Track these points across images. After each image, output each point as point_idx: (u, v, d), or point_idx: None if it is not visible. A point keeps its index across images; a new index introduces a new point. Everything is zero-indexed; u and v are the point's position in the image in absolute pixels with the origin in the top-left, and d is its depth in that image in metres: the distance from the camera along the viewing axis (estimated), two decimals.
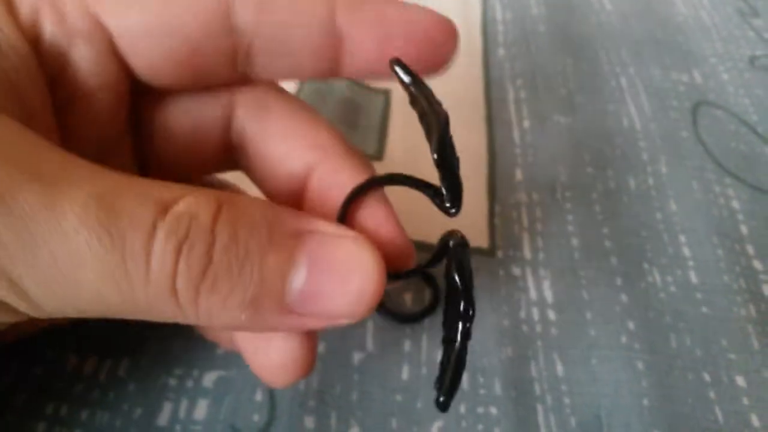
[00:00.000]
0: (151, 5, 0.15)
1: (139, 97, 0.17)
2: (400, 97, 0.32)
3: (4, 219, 0.11)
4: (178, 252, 0.12)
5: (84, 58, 0.15)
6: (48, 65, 0.15)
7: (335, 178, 0.16)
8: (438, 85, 0.33)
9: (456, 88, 0.33)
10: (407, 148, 0.30)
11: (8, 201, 0.11)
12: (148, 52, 0.15)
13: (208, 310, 0.13)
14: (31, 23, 0.14)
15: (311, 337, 0.16)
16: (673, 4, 0.39)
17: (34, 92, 0.14)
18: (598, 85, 0.34)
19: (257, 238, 0.13)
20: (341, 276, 0.13)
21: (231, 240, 0.12)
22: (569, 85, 0.34)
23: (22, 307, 0.12)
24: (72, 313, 0.13)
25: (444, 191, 0.14)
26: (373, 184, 0.15)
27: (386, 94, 0.33)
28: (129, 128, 0.17)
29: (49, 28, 0.14)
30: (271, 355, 0.16)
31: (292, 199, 0.16)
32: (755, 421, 0.21)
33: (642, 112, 0.32)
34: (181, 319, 0.13)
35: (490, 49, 0.36)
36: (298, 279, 0.13)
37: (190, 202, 0.12)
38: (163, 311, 0.13)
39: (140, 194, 0.12)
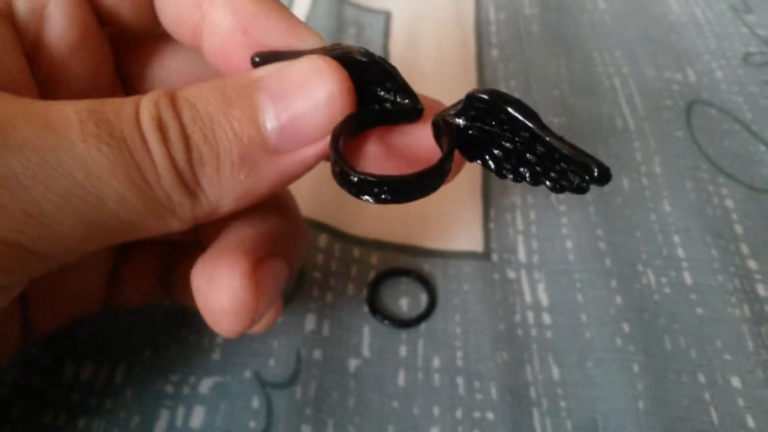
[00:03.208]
0: None
1: (123, 52, 0.18)
2: None
3: (12, 151, 0.11)
4: (162, 131, 0.13)
5: (57, 17, 0.15)
6: (24, 34, 0.15)
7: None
8: (431, 86, 0.33)
9: (449, 88, 0.33)
10: None
11: (11, 133, 0.12)
12: None
13: (212, 186, 0.13)
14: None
15: (256, 282, 0.16)
16: (665, 2, 0.39)
17: (13, 63, 0.14)
18: (592, 85, 0.34)
19: (214, 102, 0.13)
20: (304, 92, 0.13)
21: (192, 111, 0.13)
22: (563, 86, 0.34)
23: (44, 244, 0.12)
24: (94, 241, 0.13)
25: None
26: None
27: None
28: (118, 85, 0.18)
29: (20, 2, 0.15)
30: (221, 298, 0.16)
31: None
32: (750, 422, 0.22)
33: (635, 112, 0.32)
34: (202, 211, 0.14)
35: (484, 50, 0.36)
36: (269, 117, 0.13)
37: (151, 94, 0.13)
38: (180, 205, 0.13)
39: (115, 101, 0.13)
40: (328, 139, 0.14)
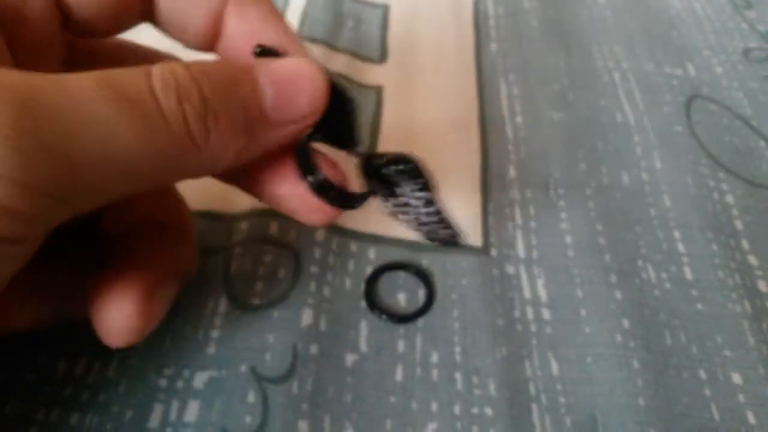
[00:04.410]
0: None
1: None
2: (392, 93, 0.32)
3: (41, 111, 0.13)
4: (180, 100, 0.15)
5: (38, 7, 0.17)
6: (6, 17, 0.16)
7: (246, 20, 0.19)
8: (430, 80, 0.33)
9: (449, 83, 0.33)
10: (399, 145, 0.29)
11: (38, 97, 0.13)
12: None
13: (219, 144, 0.16)
14: None
15: (147, 310, 0.18)
16: None
17: None
18: (591, 80, 0.33)
19: (224, 77, 0.16)
20: (296, 81, 0.17)
21: (209, 79, 0.15)
22: (562, 81, 0.33)
23: (68, 191, 0.14)
24: (112, 189, 0.15)
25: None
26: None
27: (378, 90, 0.32)
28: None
29: None
30: (113, 319, 0.18)
31: (206, 46, 0.20)
32: (751, 418, 0.21)
33: (635, 107, 0.32)
34: (204, 164, 0.16)
35: (483, 43, 0.35)
36: (268, 94, 0.16)
37: (161, 66, 0.15)
38: (188, 159, 0.16)
39: (123, 71, 0.15)
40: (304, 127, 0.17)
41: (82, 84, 0.14)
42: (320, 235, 0.26)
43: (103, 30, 0.19)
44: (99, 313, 0.18)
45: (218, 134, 0.16)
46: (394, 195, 0.20)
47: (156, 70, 0.15)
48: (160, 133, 0.15)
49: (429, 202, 0.21)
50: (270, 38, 0.19)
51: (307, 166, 0.18)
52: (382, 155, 0.20)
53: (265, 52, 0.18)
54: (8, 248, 0.14)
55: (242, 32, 0.19)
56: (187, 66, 0.15)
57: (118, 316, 0.18)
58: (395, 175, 0.20)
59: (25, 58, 0.17)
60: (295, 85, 0.17)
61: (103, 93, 0.14)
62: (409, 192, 0.20)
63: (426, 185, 0.20)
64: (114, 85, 0.14)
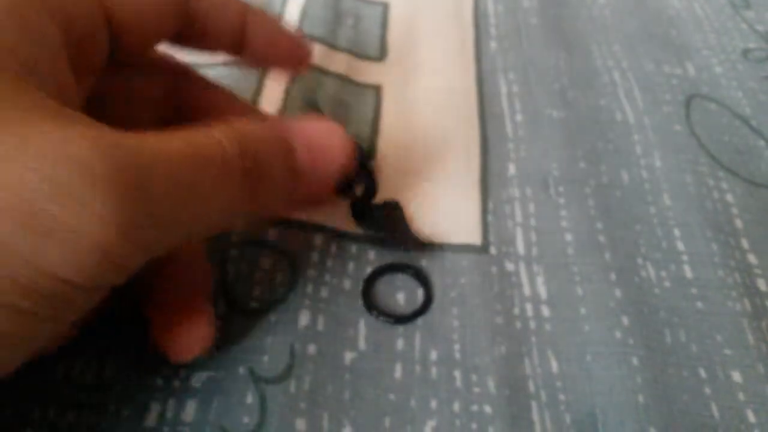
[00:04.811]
0: None
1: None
2: (391, 91, 0.32)
3: (146, 171, 0.14)
4: (244, 159, 0.17)
5: (102, 42, 0.18)
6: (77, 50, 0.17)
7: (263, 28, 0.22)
8: (430, 78, 0.33)
9: (448, 81, 0.33)
10: (399, 145, 0.29)
11: (141, 159, 0.14)
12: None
13: (267, 196, 0.18)
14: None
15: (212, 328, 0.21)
16: None
17: (67, 76, 0.17)
18: (591, 79, 0.33)
19: (272, 143, 0.18)
20: (324, 140, 0.19)
21: (262, 141, 0.18)
22: (562, 80, 0.33)
23: (153, 238, 0.15)
24: (190, 239, 0.17)
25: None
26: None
27: (377, 89, 0.32)
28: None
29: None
30: (190, 343, 0.20)
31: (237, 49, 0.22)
32: (751, 416, 0.21)
33: (635, 106, 0.32)
34: (250, 215, 0.18)
35: (483, 42, 0.35)
36: (301, 154, 0.19)
37: (228, 130, 0.17)
38: (244, 210, 0.18)
39: (199, 134, 0.16)
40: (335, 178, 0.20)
41: (173, 146, 0.15)
42: (318, 240, 0.26)
43: (142, 51, 0.21)
44: (172, 341, 0.20)
45: (266, 191, 0.18)
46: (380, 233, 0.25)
47: (224, 134, 0.17)
48: (232, 190, 0.17)
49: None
50: (284, 45, 0.22)
51: (361, 216, 0.24)
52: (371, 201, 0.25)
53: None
54: (95, 294, 0.15)
55: (261, 38, 0.22)
56: (243, 130, 0.17)
57: (196, 341, 0.20)
58: (384, 219, 0.24)
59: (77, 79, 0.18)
60: (323, 147, 0.19)
61: (190, 157, 0.15)
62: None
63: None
64: (196, 148, 0.16)
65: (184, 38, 0.21)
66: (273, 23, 0.23)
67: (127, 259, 0.14)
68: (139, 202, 0.14)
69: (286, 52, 0.23)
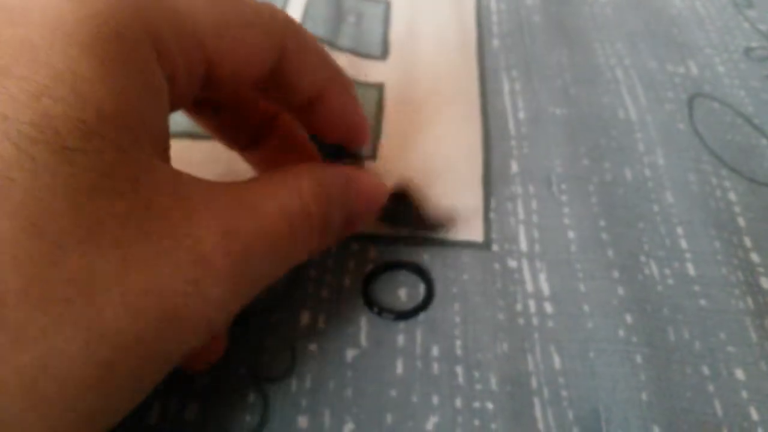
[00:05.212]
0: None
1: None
2: (393, 89, 0.32)
3: (246, 238, 0.16)
4: (321, 205, 0.18)
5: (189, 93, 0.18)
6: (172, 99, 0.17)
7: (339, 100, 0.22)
8: (433, 77, 0.32)
9: (451, 79, 0.33)
10: (402, 143, 0.29)
11: (240, 227, 0.15)
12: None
13: (331, 240, 0.20)
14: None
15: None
16: None
17: (164, 128, 0.17)
18: (594, 76, 0.33)
19: (337, 190, 0.20)
20: (371, 194, 0.21)
21: (336, 186, 0.19)
22: (564, 77, 0.33)
23: (245, 300, 0.16)
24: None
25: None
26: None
27: (379, 88, 0.32)
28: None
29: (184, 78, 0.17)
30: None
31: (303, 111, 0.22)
32: (754, 414, 0.21)
33: (638, 103, 0.32)
34: (320, 248, 0.20)
35: (485, 39, 0.35)
36: (354, 203, 0.21)
37: (303, 181, 0.18)
38: (317, 249, 0.19)
39: (285, 193, 0.17)
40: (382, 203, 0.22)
41: (268, 210, 0.16)
42: None
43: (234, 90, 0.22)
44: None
45: (333, 228, 0.20)
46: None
47: (312, 192, 0.18)
48: (312, 243, 0.19)
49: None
50: (350, 124, 0.23)
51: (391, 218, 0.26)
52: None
53: (316, 140, 0.23)
54: (186, 352, 0.15)
55: (336, 111, 0.22)
56: (321, 181, 0.19)
57: (203, 354, 0.21)
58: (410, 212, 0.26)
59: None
60: (369, 196, 0.21)
61: (286, 235, 0.17)
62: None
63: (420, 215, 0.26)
64: (290, 218, 0.17)
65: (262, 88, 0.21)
66: (352, 103, 0.22)
67: (221, 326, 0.16)
68: (245, 285, 0.16)
69: (349, 131, 0.23)
